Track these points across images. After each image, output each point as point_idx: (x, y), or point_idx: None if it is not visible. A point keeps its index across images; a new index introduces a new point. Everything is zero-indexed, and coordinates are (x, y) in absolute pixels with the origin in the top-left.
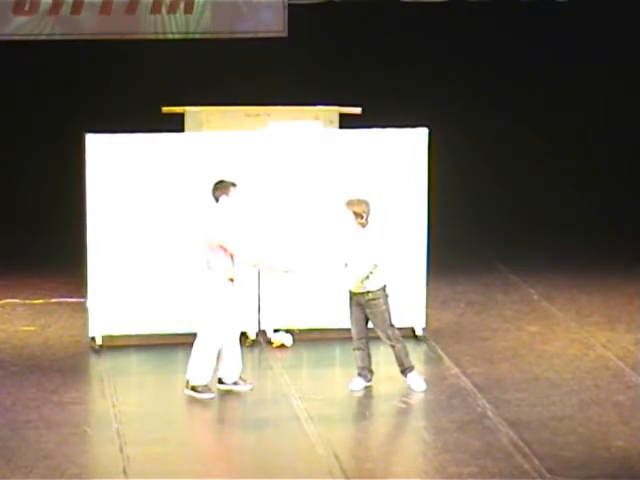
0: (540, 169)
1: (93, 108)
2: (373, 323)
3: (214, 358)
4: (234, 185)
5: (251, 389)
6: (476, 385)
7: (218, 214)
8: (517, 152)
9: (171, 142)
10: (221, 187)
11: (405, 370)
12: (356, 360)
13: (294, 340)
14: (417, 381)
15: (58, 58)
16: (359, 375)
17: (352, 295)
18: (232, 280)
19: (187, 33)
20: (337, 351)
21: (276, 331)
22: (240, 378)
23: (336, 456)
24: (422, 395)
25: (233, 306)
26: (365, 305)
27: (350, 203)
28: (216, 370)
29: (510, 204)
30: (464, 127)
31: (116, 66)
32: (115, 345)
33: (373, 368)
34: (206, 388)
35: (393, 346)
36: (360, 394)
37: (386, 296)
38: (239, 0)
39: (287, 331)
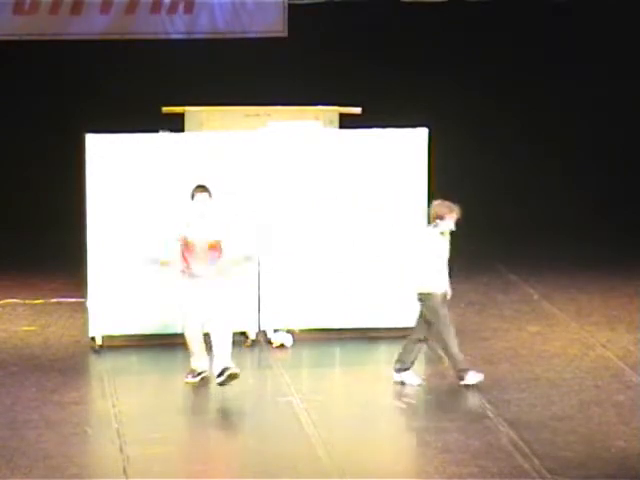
0: (540, 169)
1: (93, 108)
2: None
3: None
4: (201, 189)
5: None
6: (476, 385)
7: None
8: (517, 152)
9: (171, 142)
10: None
11: (407, 368)
12: (413, 354)
13: (294, 340)
14: (413, 377)
15: (58, 58)
16: (409, 369)
17: (444, 295)
18: (185, 273)
19: (187, 33)
20: (337, 351)
21: (276, 331)
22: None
23: (336, 456)
24: (422, 395)
25: (191, 299)
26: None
27: (449, 206)
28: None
29: (510, 204)
30: (464, 127)
31: (116, 66)
32: (115, 345)
33: (373, 368)
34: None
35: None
36: (360, 394)
37: None
38: (239, 0)
39: (287, 331)
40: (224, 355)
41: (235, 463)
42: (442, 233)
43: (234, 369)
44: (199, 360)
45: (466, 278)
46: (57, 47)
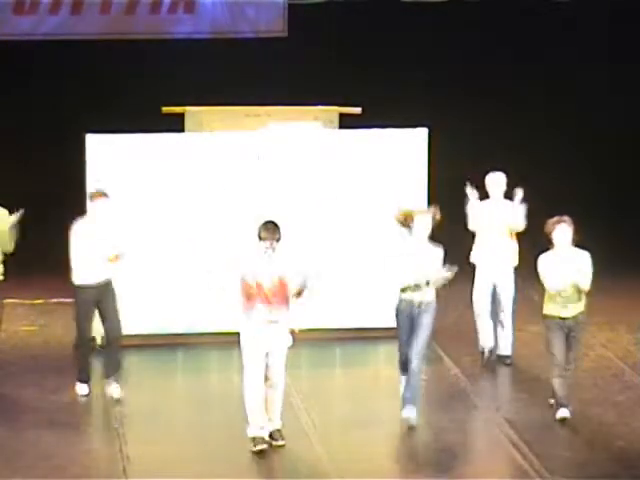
0: (540, 169)
1: (93, 108)
2: (572, 348)
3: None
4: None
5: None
6: (476, 385)
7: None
8: (517, 152)
9: (171, 142)
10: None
11: (562, 405)
12: (558, 389)
13: (294, 340)
14: (563, 411)
15: (58, 58)
16: (563, 406)
17: (560, 320)
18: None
19: (187, 33)
20: (337, 351)
21: None
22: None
23: (335, 456)
24: (422, 395)
25: (257, 352)
26: (573, 328)
27: (568, 220)
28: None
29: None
30: (464, 127)
31: (116, 66)
32: None
33: (373, 368)
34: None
35: (567, 370)
36: (360, 394)
37: None
38: (239, 0)
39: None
40: (277, 417)
41: (235, 463)
42: None
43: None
44: (259, 426)
45: (466, 279)
46: (57, 47)
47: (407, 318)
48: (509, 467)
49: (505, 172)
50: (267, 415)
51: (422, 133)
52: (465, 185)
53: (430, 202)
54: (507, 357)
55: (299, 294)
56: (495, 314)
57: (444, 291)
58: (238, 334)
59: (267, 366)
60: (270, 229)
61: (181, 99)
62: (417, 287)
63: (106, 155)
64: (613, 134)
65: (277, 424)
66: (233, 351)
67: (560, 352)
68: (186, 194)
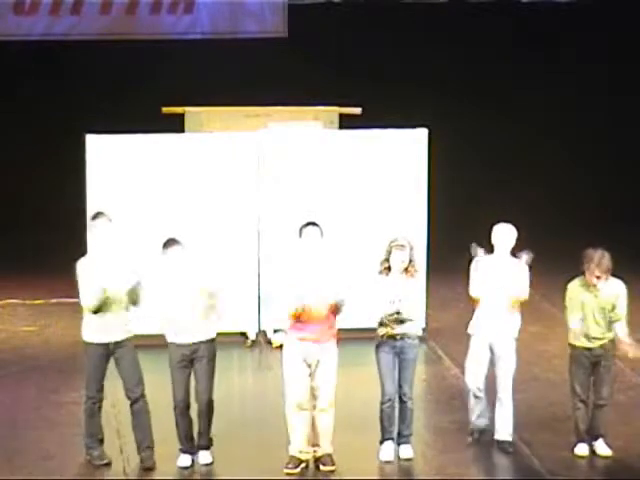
0: (540, 169)
1: (93, 108)
2: (602, 379)
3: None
4: (311, 226)
5: None
6: None
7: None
8: (517, 152)
9: (171, 142)
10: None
11: (598, 436)
12: (578, 423)
13: None
14: (604, 449)
15: (58, 58)
16: (582, 441)
17: (587, 351)
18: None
19: (187, 33)
20: None
21: (276, 331)
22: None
23: (335, 456)
24: (422, 395)
25: (299, 371)
26: (603, 357)
27: (607, 256)
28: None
29: (510, 204)
30: (464, 127)
31: (116, 66)
32: None
33: (373, 368)
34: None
35: (603, 406)
36: (360, 394)
37: None
38: (239, 0)
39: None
40: (327, 441)
41: (234, 462)
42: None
43: (330, 466)
44: (300, 446)
45: (466, 278)
46: (57, 47)
47: (389, 354)
48: (509, 467)
49: (505, 172)
50: (316, 440)
51: (422, 133)
52: (471, 246)
53: (430, 202)
54: (508, 443)
55: (336, 311)
56: (491, 391)
57: (444, 291)
58: (242, 334)
59: (313, 388)
60: (312, 225)
61: (181, 99)
62: (394, 321)
63: (106, 155)
64: (621, 136)
65: (328, 449)
66: (233, 351)
67: (583, 385)
68: (186, 194)
